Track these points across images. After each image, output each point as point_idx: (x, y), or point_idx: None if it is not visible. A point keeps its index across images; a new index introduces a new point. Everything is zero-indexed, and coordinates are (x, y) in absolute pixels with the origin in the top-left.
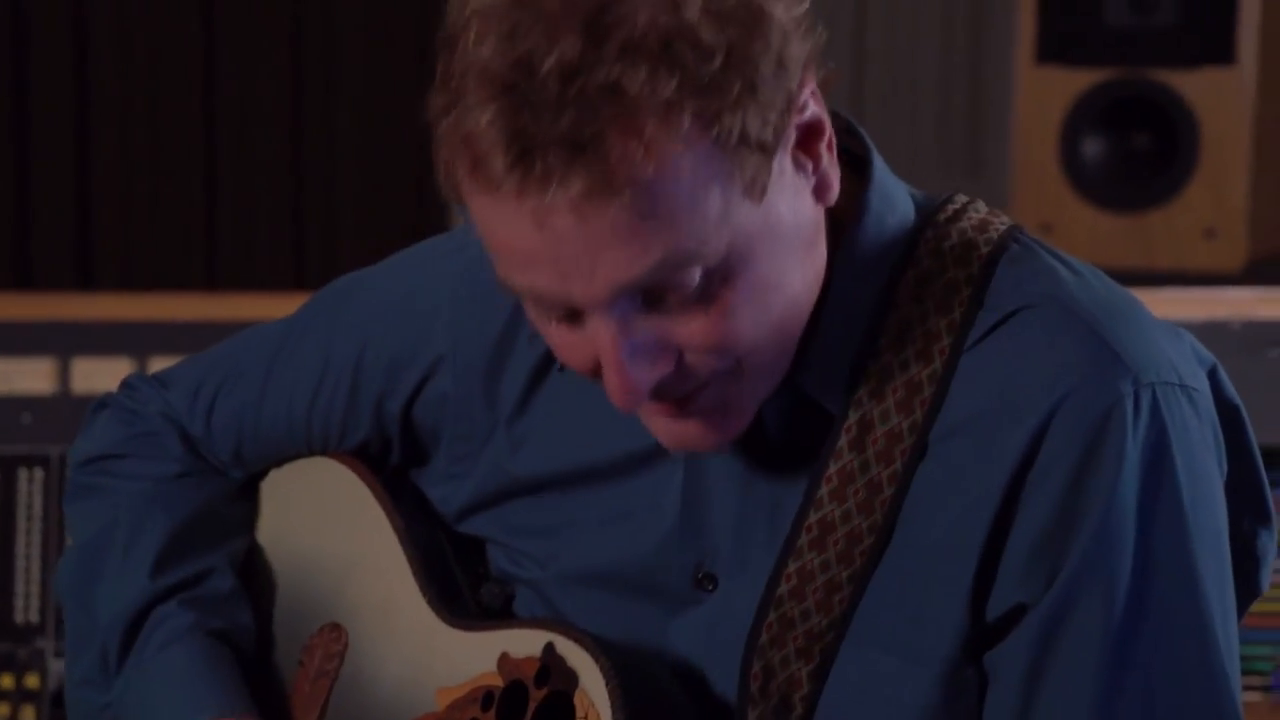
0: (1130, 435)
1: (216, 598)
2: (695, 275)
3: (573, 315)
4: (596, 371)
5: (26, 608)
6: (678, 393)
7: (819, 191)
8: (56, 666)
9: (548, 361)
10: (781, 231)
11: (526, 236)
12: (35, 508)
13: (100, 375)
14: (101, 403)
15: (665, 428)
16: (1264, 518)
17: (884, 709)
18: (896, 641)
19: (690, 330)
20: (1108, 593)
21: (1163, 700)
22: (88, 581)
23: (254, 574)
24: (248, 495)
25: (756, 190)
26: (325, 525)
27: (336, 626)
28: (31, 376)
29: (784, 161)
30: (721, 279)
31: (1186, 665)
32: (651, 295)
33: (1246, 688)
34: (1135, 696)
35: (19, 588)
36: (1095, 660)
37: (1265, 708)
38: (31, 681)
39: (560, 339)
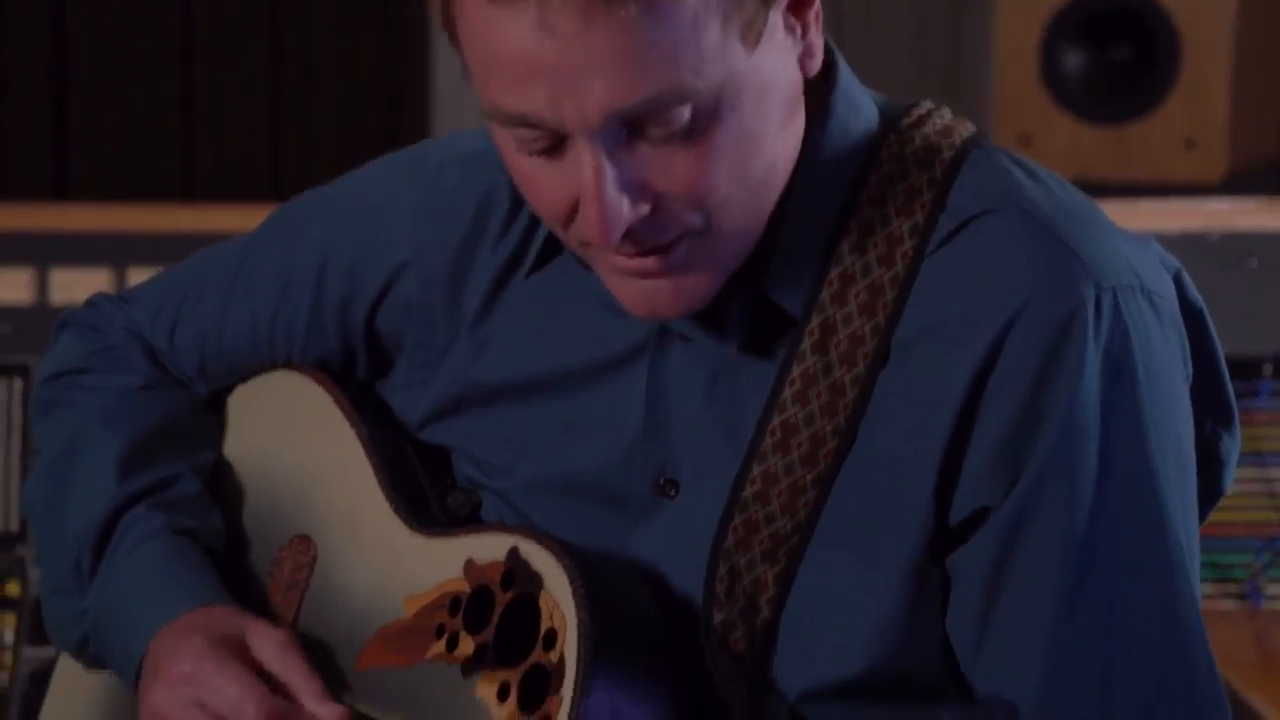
0: (1091, 339)
1: (184, 500)
2: (685, 113)
3: (555, 147)
4: (569, 215)
5: (5, 516)
6: (650, 241)
7: (804, 59)
8: (36, 575)
9: (511, 268)
10: (768, 86)
11: (527, 43)
12: (14, 418)
13: (78, 286)
14: (64, 321)
15: (635, 289)
16: (1226, 420)
17: (850, 611)
18: (861, 544)
19: (670, 172)
20: (1069, 495)
21: (1123, 600)
22: (56, 494)
23: (221, 488)
24: (213, 409)
25: (752, 36)
26: (290, 438)
27: (305, 538)
28: (9, 287)
29: (777, 17)
30: (708, 119)
31: (1146, 567)
32: (638, 129)
33: (1223, 595)
34: (1096, 597)
35: None
36: (1057, 562)
37: (1242, 615)
38: (12, 589)
39: (537, 175)
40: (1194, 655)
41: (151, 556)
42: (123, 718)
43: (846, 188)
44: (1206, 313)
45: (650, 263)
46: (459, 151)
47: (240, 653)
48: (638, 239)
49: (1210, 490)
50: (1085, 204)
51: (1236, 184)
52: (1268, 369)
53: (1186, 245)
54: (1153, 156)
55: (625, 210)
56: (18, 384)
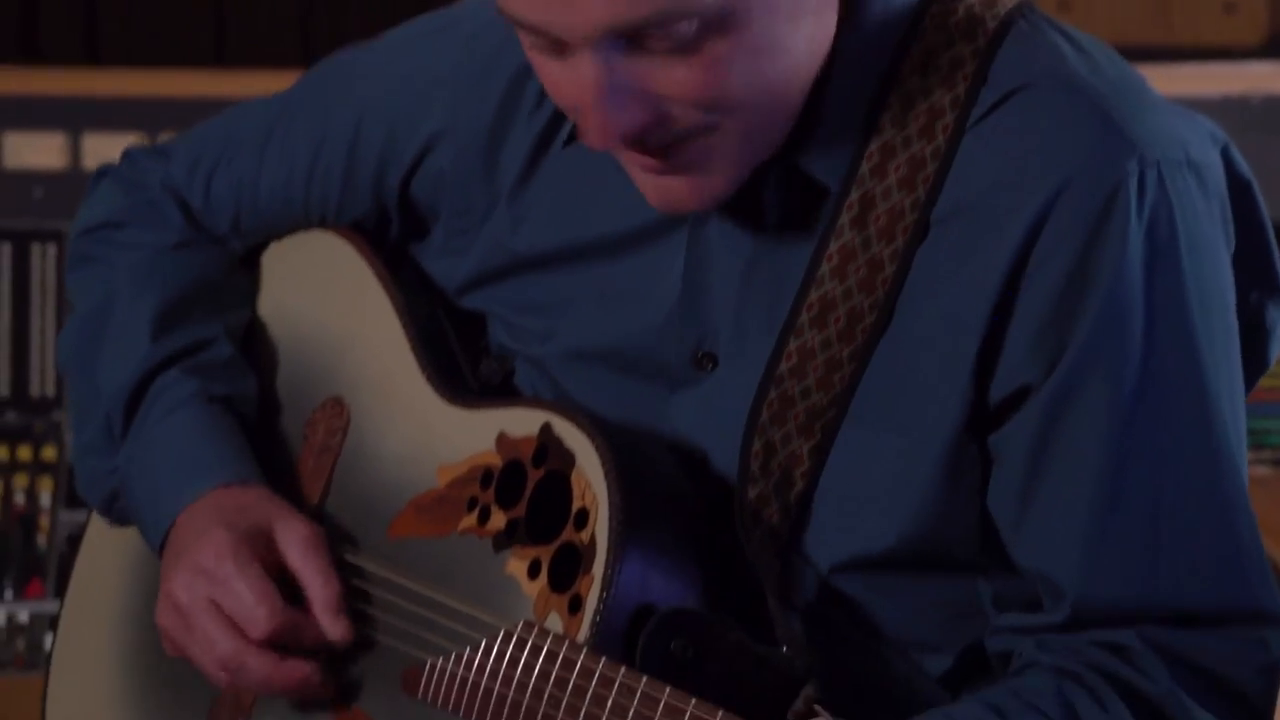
0: (1135, 214)
1: (216, 364)
2: (689, 26)
3: (559, 49)
4: (576, 112)
5: (42, 381)
6: (656, 142)
7: None
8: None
9: (550, 135)
10: None
11: None
12: (49, 283)
13: (111, 150)
14: (101, 172)
15: (652, 184)
16: (1273, 290)
17: (885, 486)
18: (897, 420)
19: (675, 80)
20: (1112, 373)
21: (1168, 479)
22: (89, 351)
23: (255, 347)
24: (248, 267)
25: None
26: (324, 299)
27: (339, 401)
28: (43, 151)
29: None
30: (715, 32)
31: (1191, 443)
32: (639, 41)
33: (1258, 462)
34: (1140, 475)
35: (34, 362)
36: (1099, 440)
37: (1276, 482)
38: (49, 454)
39: (545, 70)
40: (1239, 531)
41: (182, 425)
42: (151, 579)
43: (887, 59)
44: (1254, 185)
45: (660, 162)
46: (492, 20)
47: (264, 550)
48: (644, 141)
49: (1256, 362)
50: (1131, 77)
51: (1277, 47)
52: None
53: (1227, 109)
54: (1193, 19)
55: (624, 118)
56: (52, 249)
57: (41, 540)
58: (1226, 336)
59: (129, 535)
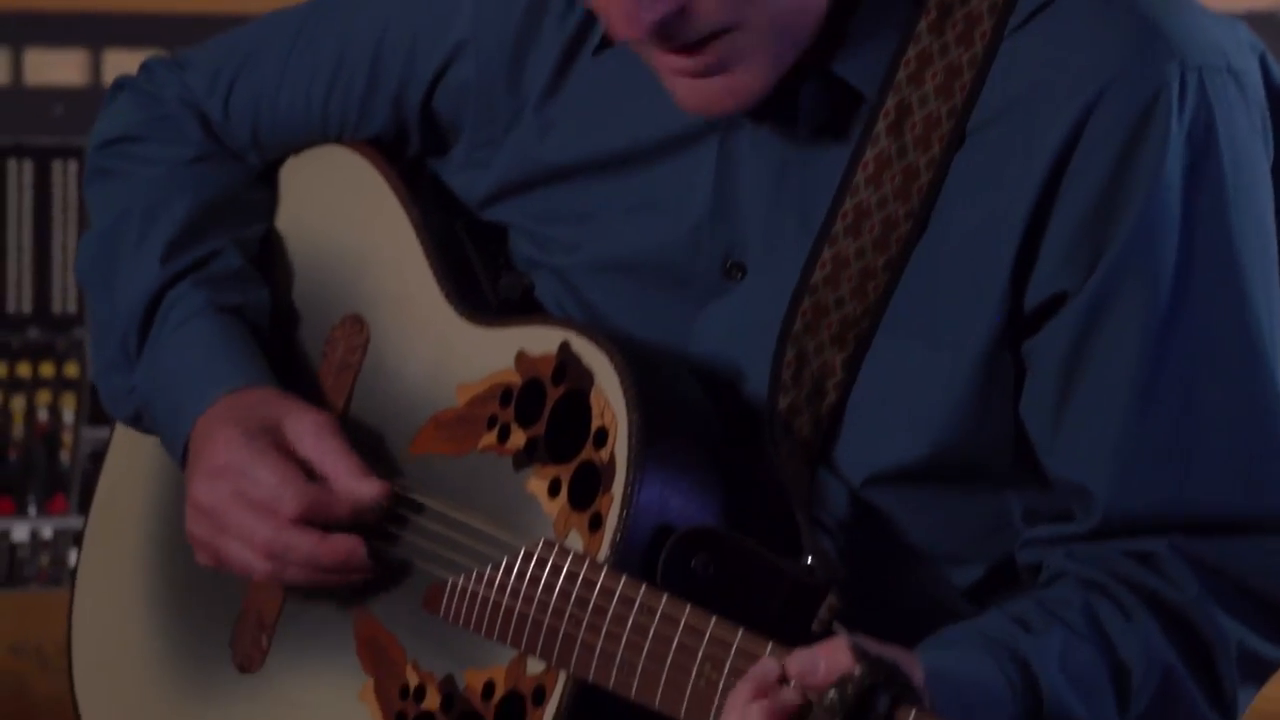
0: (1175, 120)
1: (227, 274)
2: None
3: None
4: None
5: (64, 299)
6: (681, 37)
7: None
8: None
9: (577, 44)
10: None
11: None
12: (70, 200)
13: (131, 66)
14: (119, 84)
15: (685, 87)
16: None
17: (919, 396)
18: (932, 330)
19: None
20: (1149, 280)
21: (1204, 386)
22: (106, 268)
23: (272, 263)
24: (266, 182)
25: None
26: (342, 216)
27: (358, 319)
28: (64, 68)
29: None
30: None
31: (1228, 351)
32: None
33: None
34: (1175, 383)
35: (56, 279)
36: (1135, 347)
37: None
38: (71, 370)
39: None
40: (1274, 439)
41: (192, 336)
42: (172, 498)
43: None
44: None
45: (691, 61)
46: None
47: (277, 442)
48: (668, 36)
49: None
50: None
51: None
52: None
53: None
54: None
55: (645, 11)
56: (73, 166)
57: (65, 457)
58: (1265, 246)
59: (151, 454)
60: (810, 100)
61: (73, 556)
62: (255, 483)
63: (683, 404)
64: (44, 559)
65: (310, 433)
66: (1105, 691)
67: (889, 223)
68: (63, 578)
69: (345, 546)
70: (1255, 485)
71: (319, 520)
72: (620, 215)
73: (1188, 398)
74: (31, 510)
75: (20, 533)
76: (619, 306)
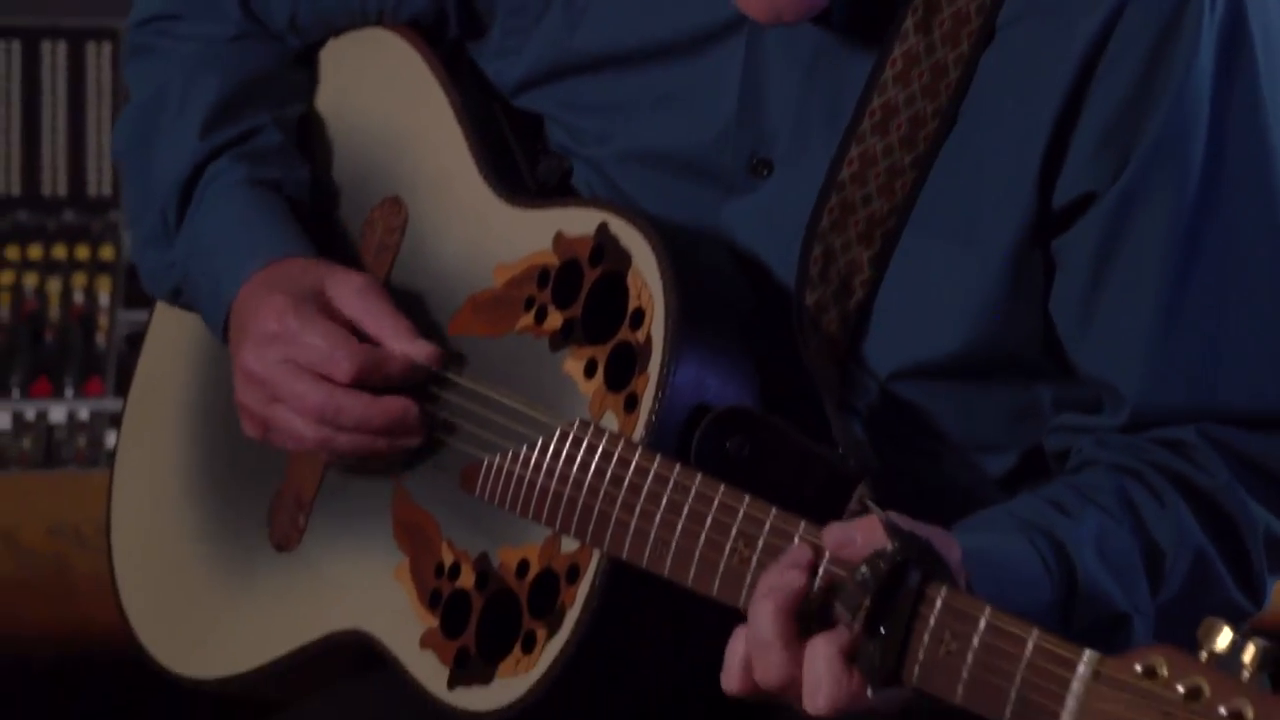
0: (1207, 15)
1: (268, 150)
2: None
3: None
4: None
5: (99, 181)
6: None
7: None
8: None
9: None
10: None
11: None
12: (104, 82)
13: None
14: None
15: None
16: None
17: (947, 294)
18: (960, 229)
19: None
20: (1180, 177)
21: (1233, 284)
22: (143, 143)
23: (311, 144)
24: (304, 64)
25: None
26: (382, 98)
27: (396, 200)
28: None
29: None
30: None
31: (1259, 248)
32: None
33: None
34: (1205, 280)
35: (91, 161)
36: (1165, 245)
37: None
38: (106, 253)
39: None
40: None
41: (232, 208)
42: (212, 378)
43: None
44: None
45: None
46: None
47: (324, 307)
48: None
49: None
50: None
51: None
52: None
53: None
54: None
55: None
56: (107, 48)
57: (100, 339)
58: None
59: (189, 336)
60: None
61: (109, 438)
62: (306, 348)
63: (720, 288)
64: (81, 440)
65: (356, 294)
66: (1139, 573)
67: (916, 120)
68: (99, 459)
69: (398, 406)
70: (1277, 381)
71: (372, 380)
72: (648, 108)
73: (1217, 295)
74: (68, 393)
75: (58, 414)
76: (650, 197)
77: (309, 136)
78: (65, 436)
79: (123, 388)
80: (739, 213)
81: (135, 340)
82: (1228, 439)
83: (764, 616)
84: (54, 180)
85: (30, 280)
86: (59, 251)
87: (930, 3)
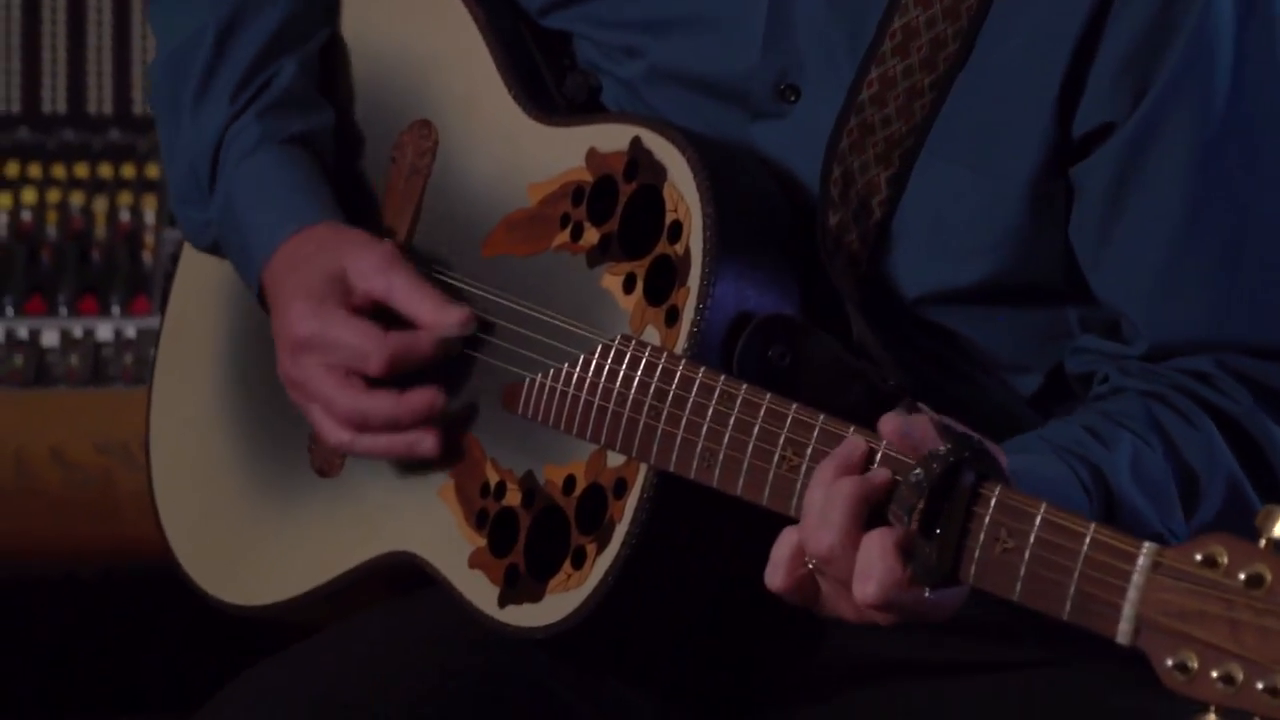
0: None
1: (288, 98)
2: None
3: None
4: None
5: (145, 99)
6: None
7: None
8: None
9: None
10: None
11: None
12: None
13: None
14: None
15: None
16: None
17: (968, 218)
18: (978, 153)
19: None
20: (1198, 110)
21: (1249, 217)
22: (174, 95)
23: (338, 72)
24: None
25: None
26: (407, 20)
27: (426, 123)
28: None
29: None
30: None
31: (1275, 183)
32: None
33: None
34: (1220, 214)
35: (136, 80)
36: (1181, 178)
37: None
38: (152, 171)
39: None
40: None
41: (253, 174)
42: (245, 310)
43: None
44: None
45: None
46: None
47: (345, 292)
48: None
49: None
50: None
51: None
52: None
53: None
54: None
55: None
56: None
57: (147, 258)
58: None
59: (224, 262)
60: None
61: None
62: (334, 349)
63: (756, 199)
64: (128, 358)
65: (376, 270)
66: (1173, 497)
67: (937, 42)
68: (145, 376)
69: (424, 400)
70: None
71: (407, 365)
72: (678, 29)
73: (1232, 229)
74: (115, 310)
75: (105, 332)
76: (679, 116)
77: (335, 63)
78: (112, 354)
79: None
80: (768, 137)
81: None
82: (1247, 369)
83: (820, 490)
84: (99, 99)
85: (77, 199)
86: (105, 170)
87: None
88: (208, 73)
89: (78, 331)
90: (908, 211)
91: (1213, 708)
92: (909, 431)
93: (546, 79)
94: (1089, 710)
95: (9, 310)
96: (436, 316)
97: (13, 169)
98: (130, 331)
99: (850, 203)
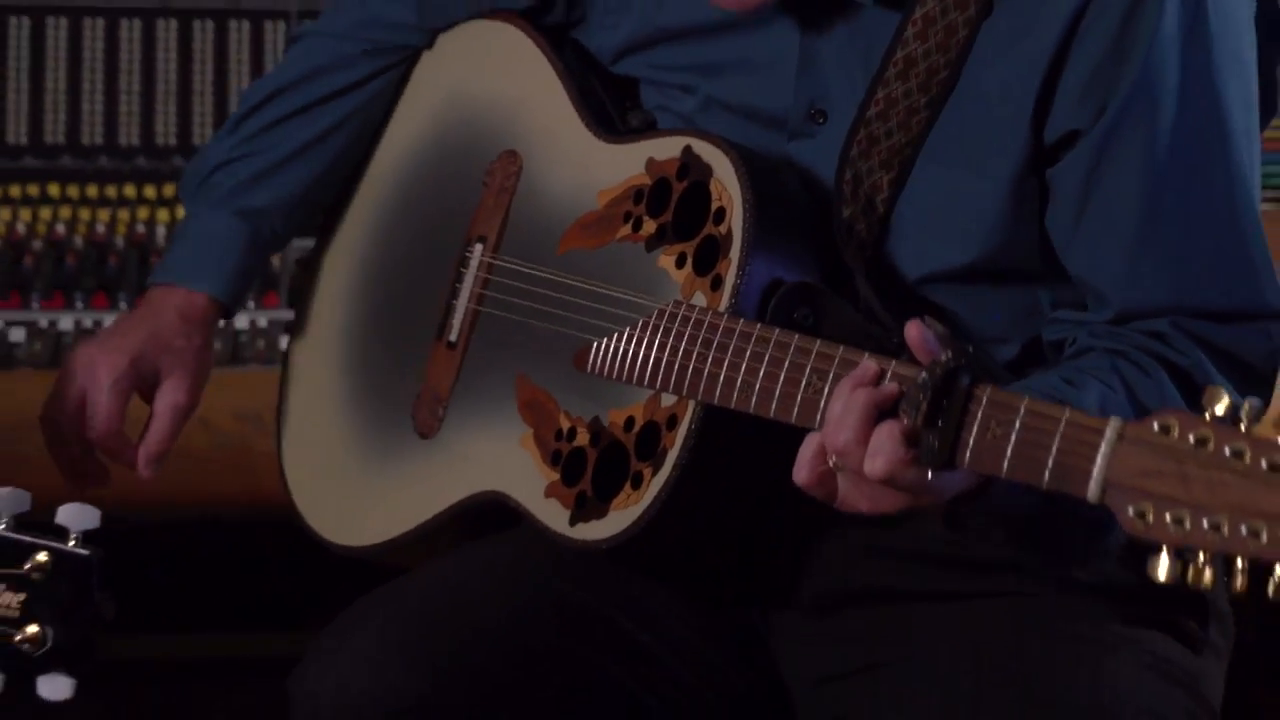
0: None
1: (266, 168)
2: None
3: None
4: None
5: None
6: None
7: None
8: None
9: None
10: None
11: None
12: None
13: None
14: (295, 36)
15: None
16: None
17: (957, 212)
18: (966, 158)
19: None
20: (1151, 119)
21: (1195, 204)
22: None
23: (440, 117)
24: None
25: None
26: (499, 73)
27: (513, 153)
28: None
29: None
30: None
31: (1214, 178)
32: None
33: (1265, 201)
34: (1172, 201)
35: (159, 115)
36: (1139, 173)
37: (1275, 215)
38: None
39: None
40: (1251, 247)
41: (198, 224)
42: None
43: None
44: None
45: None
46: None
47: (143, 383)
48: None
49: (1268, 107)
50: None
51: None
52: None
53: None
54: None
55: None
56: (281, 26)
57: (275, 261)
58: (1246, 88)
59: (352, 265)
60: None
61: (282, 341)
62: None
63: (784, 192)
64: (261, 343)
65: (165, 395)
66: None
67: (931, 69)
68: (275, 358)
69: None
70: (1236, 283)
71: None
72: (726, 70)
73: (1182, 214)
74: (250, 304)
75: (242, 322)
76: (728, 138)
77: (436, 111)
78: (248, 340)
79: (293, 301)
80: (801, 151)
81: (303, 263)
82: (1196, 329)
83: (840, 400)
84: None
85: None
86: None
87: None
88: (244, 114)
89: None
90: (905, 206)
91: (1164, 548)
92: (926, 338)
93: (613, 114)
94: (1049, 632)
95: None
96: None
97: (170, 189)
98: (263, 321)
99: (859, 199)
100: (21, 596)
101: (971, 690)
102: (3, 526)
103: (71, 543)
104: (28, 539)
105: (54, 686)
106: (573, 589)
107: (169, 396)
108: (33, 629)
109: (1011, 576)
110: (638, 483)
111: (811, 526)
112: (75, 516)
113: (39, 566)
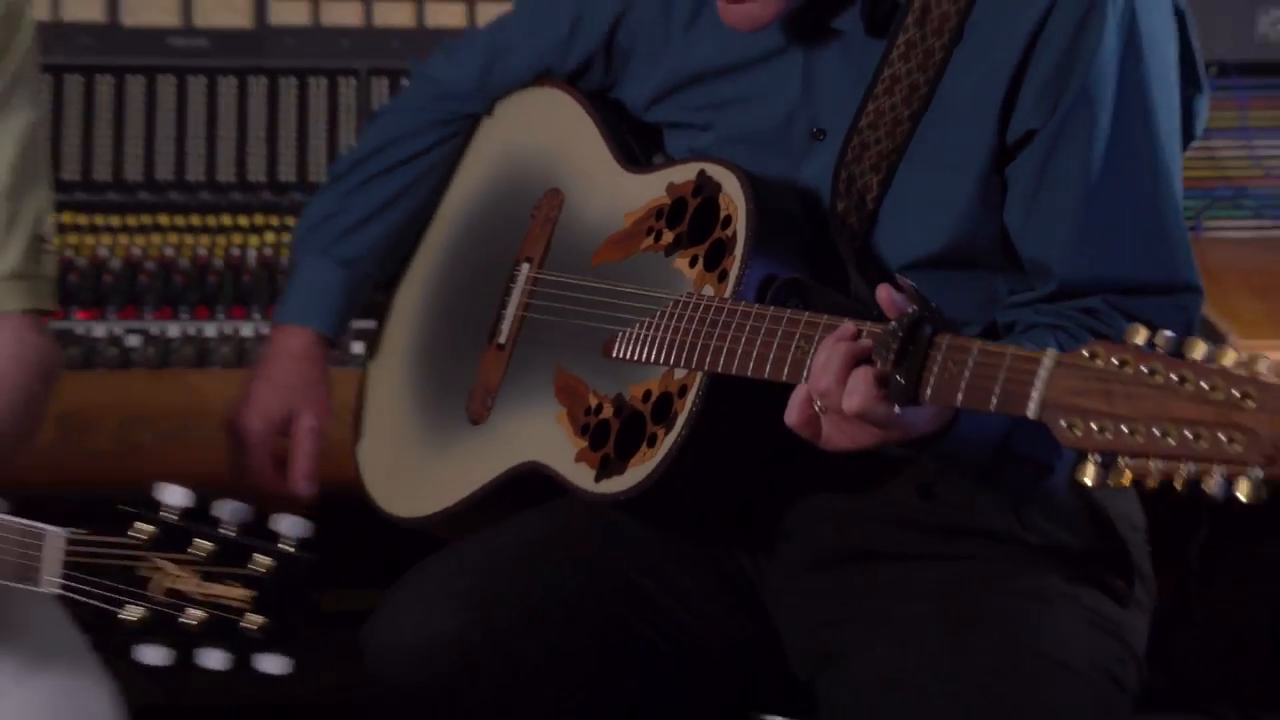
0: (1111, 12)
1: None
2: None
3: None
4: None
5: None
6: None
7: None
8: None
9: None
10: None
11: None
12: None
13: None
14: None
15: (722, 9)
16: (1198, 85)
17: (934, 205)
18: (942, 159)
19: None
20: (1092, 120)
21: (1127, 195)
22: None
23: (496, 167)
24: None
25: None
26: (547, 128)
27: (556, 190)
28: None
29: None
30: None
31: (1143, 168)
32: None
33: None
34: (1108, 193)
35: (281, 154)
36: (1082, 167)
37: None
38: None
39: None
40: (1173, 232)
41: (305, 274)
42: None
43: None
44: (1187, 11)
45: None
46: None
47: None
48: None
49: (1185, 134)
50: None
51: None
52: (1212, 69)
53: None
54: None
55: None
56: (352, 82)
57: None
58: (1170, 96)
59: (424, 285)
60: (866, 11)
61: (356, 347)
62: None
63: (784, 204)
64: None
65: (307, 434)
66: None
67: (913, 86)
68: (349, 360)
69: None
70: (1160, 262)
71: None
72: (737, 105)
73: (1116, 199)
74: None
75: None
76: (742, 164)
77: (495, 163)
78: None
79: (367, 313)
80: (806, 167)
81: (381, 288)
82: (1122, 305)
83: (824, 353)
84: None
85: None
86: None
87: (924, 6)
88: (335, 177)
89: None
90: (891, 201)
91: (1090, 455)
92: (894, 298)
93: (639, 156)
94: (1003, 587)
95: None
96: (296, 486)
97: (259, 219)
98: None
99: (852, 196)
100: (252, 592)
101: (938, 635)
102: (235, 534)
103: (291, 548)
104: (257, 543)
105: (272, 663)
106: (593, 551)
107: (304, 425)
108: (259, 618)
109: (973, 541)
110: (652, 442)
111: (803, 489)
112: (292, 526)
113: (266, 567)
